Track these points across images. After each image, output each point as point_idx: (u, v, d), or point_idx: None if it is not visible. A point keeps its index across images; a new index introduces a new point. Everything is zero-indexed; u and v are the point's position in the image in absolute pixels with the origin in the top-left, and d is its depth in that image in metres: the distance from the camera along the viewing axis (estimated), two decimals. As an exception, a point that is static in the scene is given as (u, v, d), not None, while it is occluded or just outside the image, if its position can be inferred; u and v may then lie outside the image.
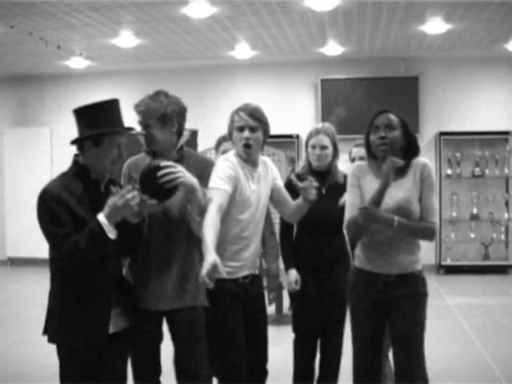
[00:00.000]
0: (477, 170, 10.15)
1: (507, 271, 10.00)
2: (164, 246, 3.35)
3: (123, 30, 8.38)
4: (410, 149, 3.37)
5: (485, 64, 10.29)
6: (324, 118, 10.34)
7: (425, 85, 10.36)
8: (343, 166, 4.48)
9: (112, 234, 2.89)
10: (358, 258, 3.50)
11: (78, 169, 3.08)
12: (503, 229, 10.26)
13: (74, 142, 3.09)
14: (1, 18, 7.53)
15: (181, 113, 3.38)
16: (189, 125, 3.52)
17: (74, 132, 3.07)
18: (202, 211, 3.17)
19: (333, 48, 9.76)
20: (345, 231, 3.67)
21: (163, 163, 3.04)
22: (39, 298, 3.75)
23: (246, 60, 10.37)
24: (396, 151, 3.31)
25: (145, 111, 3.30)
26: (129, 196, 2.87)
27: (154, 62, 10.53)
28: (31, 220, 3.27)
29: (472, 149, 10.24)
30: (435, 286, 8.88)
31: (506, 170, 10.16)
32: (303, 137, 7.04)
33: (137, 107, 3.33)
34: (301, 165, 4.20)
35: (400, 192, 3.30)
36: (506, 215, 10.18)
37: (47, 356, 3.60)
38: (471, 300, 8.11)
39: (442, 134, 10.14)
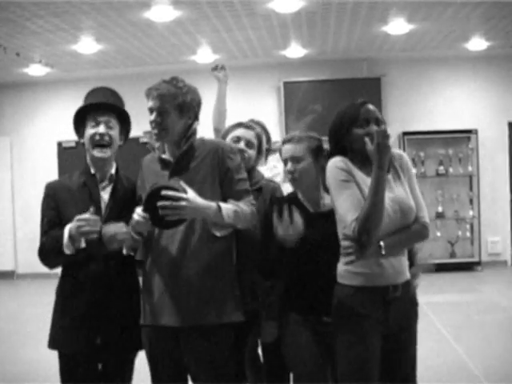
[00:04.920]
0: (441, 168, 10.25)
1: (473, 268, 10.13)
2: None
3: (84, 35, 8.25)
4: None
5: (446, 63, 10.41)
6: (287, 121, 10.35)
7: (387, 85, 10.41)
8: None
9: (68, 249, 2.81)
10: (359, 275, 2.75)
11: (84, 166, 3.09)
12: (468, 226, 10.40)
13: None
14: (-43, 25, 7.35)
15: (199, 104, 3.04)
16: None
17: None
18: (224, 227, 2.83)
19: (295, 50, 9.77)
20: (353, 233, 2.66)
21: (164, 191, 2.62)
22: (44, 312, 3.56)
23: (208, 64, 10.23)
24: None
25: (162, 95, 2.89)
26: (80, 223, 2.76)
27: (115, 68, 10.40)
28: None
29: (435, 148, 10.33)
30: (404, 285, 8.92)
31: (470, 168, 10.28)
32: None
33: (151, 90, 2.93)
34: None
35: (396, 191, 2.79)
36: (471, 212, 10.31)
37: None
38: (441, 297, 8.16)
39: (405, 133, 10.20)
